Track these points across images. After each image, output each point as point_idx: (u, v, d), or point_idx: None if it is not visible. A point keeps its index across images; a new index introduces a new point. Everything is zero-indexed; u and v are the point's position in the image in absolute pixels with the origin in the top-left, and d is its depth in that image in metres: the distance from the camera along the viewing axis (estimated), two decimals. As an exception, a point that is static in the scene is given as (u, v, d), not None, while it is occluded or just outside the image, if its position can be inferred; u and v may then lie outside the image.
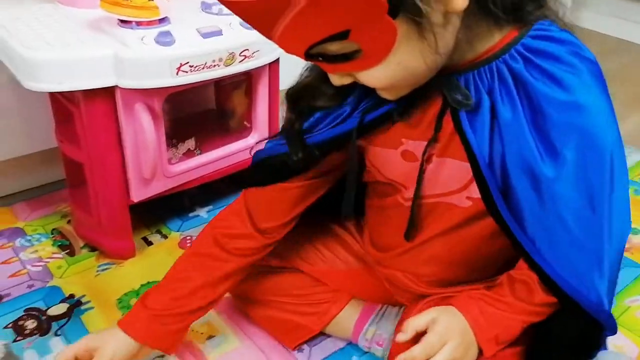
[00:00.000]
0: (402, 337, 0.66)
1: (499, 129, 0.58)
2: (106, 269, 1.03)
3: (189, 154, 1.08)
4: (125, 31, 0.88)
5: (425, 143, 0.64)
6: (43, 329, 0.89)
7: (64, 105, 0.95)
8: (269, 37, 0.50)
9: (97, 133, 0.92)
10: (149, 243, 1.10)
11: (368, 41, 0.50)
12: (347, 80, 0.57)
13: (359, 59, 0.51)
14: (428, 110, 0.63)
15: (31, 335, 0.88)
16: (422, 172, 0.66)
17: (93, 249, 1.07)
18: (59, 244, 1.09)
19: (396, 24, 0.48)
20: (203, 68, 0.90)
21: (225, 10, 1.00)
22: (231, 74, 0.96)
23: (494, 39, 0.58)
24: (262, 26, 0.50)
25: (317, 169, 0.72)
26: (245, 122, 1.18)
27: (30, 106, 1.08)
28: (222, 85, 1.18)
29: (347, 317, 0.86)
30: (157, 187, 1.01)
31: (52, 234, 1.11)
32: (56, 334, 0.88)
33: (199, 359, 0.85)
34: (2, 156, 1.13)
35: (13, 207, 1.18)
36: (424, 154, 0.64)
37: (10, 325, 0.89)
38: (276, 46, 0.52)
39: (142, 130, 0.92)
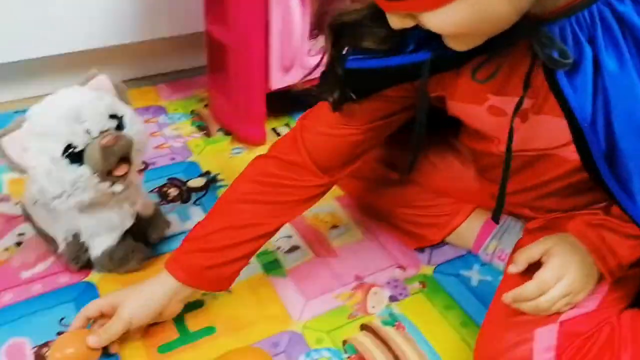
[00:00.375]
0: (513, 269, 0.64)
1: (603, 83, 0.50)
2: (238, 152, 1.08)
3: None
4: None
5: (515, 99, 0.57)
6: (183, 198, 0.96)
7: (216, -15, 0.97)
8: None
9: (247, 15, 0.93)
10: (278, 134, 1.14)
11: None
12: (408, 24, 0.49)
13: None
14: (516, 64, 0.55)
15: (174, 202, 0.95)
16: (511, 136, 0.58)
17: (227, 133, 1.13)
18: (197, 125, 1.15)
19: None
20: (359, -46, 0.86)
21: None
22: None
23: None
24: None
25: (377, 113, 0.67)
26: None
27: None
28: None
29: (468, 230, 0.85)
30: (296, 77, 1.02)
31: (191, 115, 1.18)
32: (195, 204, 0.95)
33: (324, 245, 0.88)
34: (150, 35, 1.18)
35: (157, 87, 1.26)
36: (514, 114, 0.57)
37: (156, 190, 0.97)
38: None
39: (290, 17, 0.93)
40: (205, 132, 1.13)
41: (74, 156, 0.69)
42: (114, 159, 0.71)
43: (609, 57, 0.49)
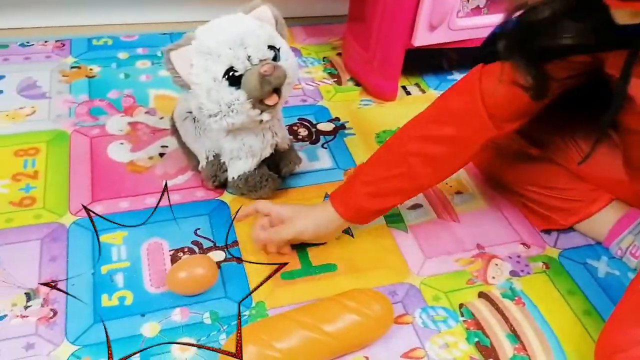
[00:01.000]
0: None
1: None
2: (367, 105, 1.08)
3: (476, 10, 1.04)
4: None
5: None
6: (312, 139, 0.98)
7: None
8: None
9: (405, -34, 0.92)
10: (408, 93, 1.12)
11: None
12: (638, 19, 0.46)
13: None
14: None
15: (303, 141, 0.98)
16: None
17: (357, 84, 1.13)
18: (329, 71, 1.16)
19: None
20: None
21: None
22: None
23: None
24: None
25: (558, 74, 0.63)
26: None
27: None
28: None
29: (602, 220, 0.81)
30: (440, 37, 1.00)
31: (323, 61, 1.19)
32: (323, 146, 0.97)
33: (447, 208, 0.87)
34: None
35: (291, 29, 1.27)
36: None
37: (287, 127, 1.00)
38: None
39: (450, -28, 0.90)
40: (336, 79, 1.14)
41: (233, 79, 0.72)
42: (269, 88, 0.73)
43: None
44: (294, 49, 1.21)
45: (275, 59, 0.74)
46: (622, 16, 0.48)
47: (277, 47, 0.75)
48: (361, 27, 1.09)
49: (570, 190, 0.82)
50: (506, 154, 0.85)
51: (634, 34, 0.52)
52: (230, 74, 0.71)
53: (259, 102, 0.74)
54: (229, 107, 0.73)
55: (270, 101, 0.74)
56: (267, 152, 0.82)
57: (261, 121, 0.76)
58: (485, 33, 1.04)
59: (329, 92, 1.10)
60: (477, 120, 0.69)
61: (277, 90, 0.75)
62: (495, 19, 1.02)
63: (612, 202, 0.81)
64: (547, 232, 0.84)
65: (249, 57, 0.71)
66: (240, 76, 0.72)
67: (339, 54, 1.21)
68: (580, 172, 0.81)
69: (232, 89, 0.72)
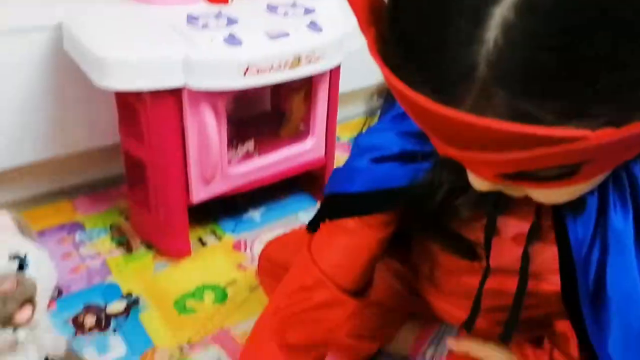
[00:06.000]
0: (453, 346, 0.67)
1: (604, 232, 0.50)
2: (162, 268, 1.03)
3: (247, 155, 1.07)
4: (194, 31, 0.88)
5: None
6: (102, 326, 0.90)
7: (129, 103, 0.95)
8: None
9: (162, 132, 0.92)
10: (203, 243, 1.10)
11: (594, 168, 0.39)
12: (495, 188, 0.45)
13: (566, 180, 0.40)
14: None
15: (90, 331, 0.88)
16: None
17: (149, 246, 1.08)
18: (117, 240, 1.10)
19: None
20: (270, 70, 0.88)
21: (292, 12, 0.99)
22: (296, 77, 0.95)
23: None
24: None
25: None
26: (301, 126, 1.16)
27: (95, 101, 1.09)
28: (279, 88, 1.17)
29: (403, 339, 0.84)
30: (217, 189, 1.01)
31: (110, 229, 1.13)
32: (115, 332, 0.89)
33: None
34: (65, 149, 1.14)
35: (73, 201, 1.20)
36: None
37: (70, 320, 0.90)
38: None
39: (206, 131, 0.92)
40: (126, 246, 1.08)
41: (-31, 306, 0.63)
42: (14, 305, 0.65)
43: (616, 214, 0.49)
44: (76, 224, 1.14)
45: (22, 267, 0.67)
46: (479, 184, 0.46)
47: (23, 254, 0.68)
48: (140, 191, 1.06)
49: (368, 316, 0.83)
50: None
51: None
52: (-36, 302, 0.62)
53: (8, 322, 0.65)
54: (-33, 340, 0.63)
55: (21, 317, 0.66)
56: (35, 371, 0.72)
57: (18, 340, 0.67)
58: (262, 174, 1.08)
59: (118, 265, 1.03)
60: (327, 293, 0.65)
61: (30, 300, 0.67)
62: (268, 159, 1.08)
63: (408, 321, 0.84)
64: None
65: (-16, 275, 0.63)
66: (-22, 300, 0.63)
67: (127, 218, 1.16)
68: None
69: (-31, 317, 0.63)
